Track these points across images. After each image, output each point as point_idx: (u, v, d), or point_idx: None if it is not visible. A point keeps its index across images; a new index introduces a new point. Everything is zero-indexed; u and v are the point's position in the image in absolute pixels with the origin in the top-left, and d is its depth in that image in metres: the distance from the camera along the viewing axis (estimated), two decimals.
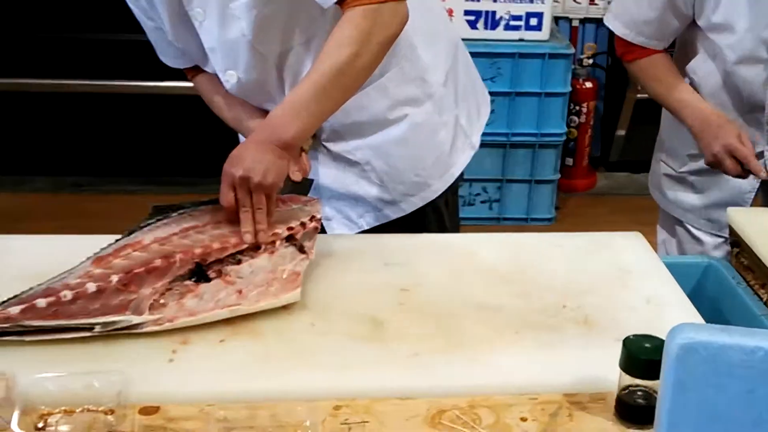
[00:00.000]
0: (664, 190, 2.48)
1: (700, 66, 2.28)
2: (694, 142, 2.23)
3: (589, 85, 4.32)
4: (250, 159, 1.51)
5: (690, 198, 2.41)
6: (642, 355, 1.31)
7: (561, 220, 4.13)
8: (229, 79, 1.75)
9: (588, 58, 4.38)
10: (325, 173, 1.86)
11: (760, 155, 2.27)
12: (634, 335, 1.34)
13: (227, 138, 1.93)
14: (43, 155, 4.32)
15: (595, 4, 4.31)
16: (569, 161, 4.35)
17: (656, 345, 1.30)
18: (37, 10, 4.01)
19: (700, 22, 2.20)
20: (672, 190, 2.46)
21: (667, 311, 1.60)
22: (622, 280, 1.71)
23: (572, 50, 4.03)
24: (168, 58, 1.85)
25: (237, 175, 1.50)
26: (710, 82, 2.28)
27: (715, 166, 2.19)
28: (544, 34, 3.92)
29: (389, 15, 1.57)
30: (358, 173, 1.86)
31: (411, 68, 1.79)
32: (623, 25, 2.27)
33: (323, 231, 1.87)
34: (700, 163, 2.27)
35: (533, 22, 3.86)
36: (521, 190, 4.08)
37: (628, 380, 1.34)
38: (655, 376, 1.28)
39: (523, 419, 1.34)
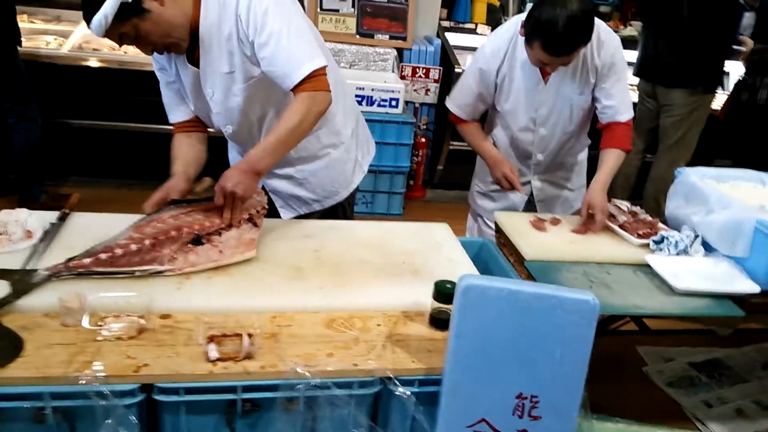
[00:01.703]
0: (476, 200, 2.52)
1: (497, 132, 2.36)
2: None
3: (423, 140, 4.42)
4: (236, 179, 1.56)
5: (488, 205, 2.47)
6: (444, 291, 1.41)
7: (406, 215, 4.22)
8: (227, 130, 1.80)
9: (423, 125, 4.48)
10: (279, 184, 1.92)
11: (527, 183, 2.41)
12: (440, 280, 1.43)
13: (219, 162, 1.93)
14: (110, 164, 4.15)
15: (428, 95, 4.37)
16: (411, 182, 4.43)
17: (452, 285, 1.39)
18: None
19: (497, 107, 2.28)
20: (480, 200, 2.50)
21: (459, 267, 1.70)
22: (436, 249, 1.80)
23: (414, 120, 4.11)
24: (174, 115, 1.84)
25: (227, 189, 1.56)
26: (502, 141, 2.36)
27: (497, 183, 2.29)
28: (399, 110, 3.99)
29: (321, 98, 1.63)
30: (298, 184, 1.94)
31: (332, 126, 1.87)
32: (455, 106, 2.30)
33: (277, 215, 1.95)
34: (494, 185, 2.36)
35: (393, 103, 3.93)
36: (384, 197, 4.12)
37: (436, 305, 1.43)
38: (450, 302, 1.38)
39: (378, 325, 1.43)
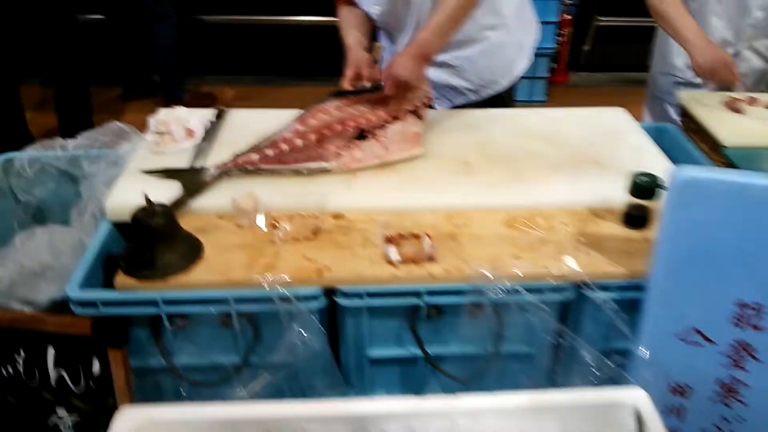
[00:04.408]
0: (674, 92, 1.99)
1: None
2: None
3: (568, 17, 3.99)
4: (407, 67, 1.42)
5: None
6: (643, 185, 1.25)
7: (550, 101, 3.95)
8: (375, 10, 1.64)
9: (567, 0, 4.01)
10: (432, 72, 1.74)
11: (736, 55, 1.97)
12: (636, 172, 1.26)
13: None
14: (245, 60, 4.13)
15: None
16: (553, 65, 4.08)
17: (652, 177, 1.24)
18: None
19: None
20: (679, 90, 1.96)
21: (647, 157, 1.52)
22: (615, 137, 1.62)
23: None
24: None
25: (400, 77, 1.42)
26: None
27: (704, 76, 1.83)
28: None
29: None
30: (454, 72, 1.76)
31: (492, 4, 1.64)
32: None
33: (431, 107, 1.77)
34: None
35: None
36: (526, 83, 3.84)
37: (632, 201, 1.27)
38: (649, 197, 1.22)
39: (564, 224, 1.29)
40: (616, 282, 1.17)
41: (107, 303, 1.09)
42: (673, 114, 2.09)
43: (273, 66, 4.06)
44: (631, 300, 1.16)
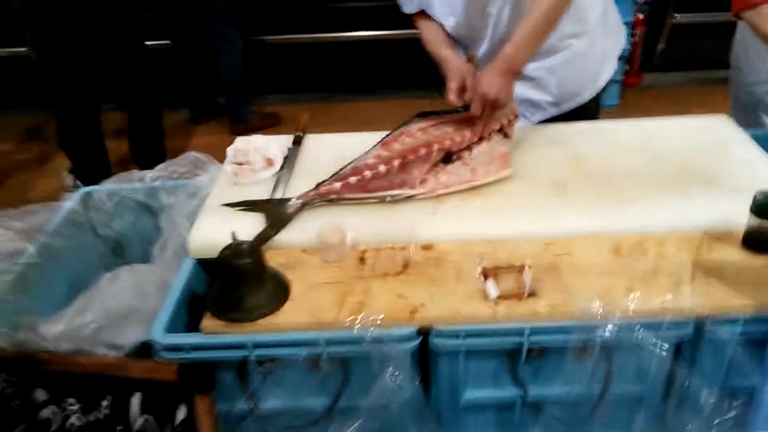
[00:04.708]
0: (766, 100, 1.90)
1: None
2: None
3: (641, 16, 3.80)
4: (496, 84, 1.33)
5: None
6: None
7: (624, 106, 3.77)
8: (450, 22, 1.55)
9: None
10: None
11: None
12: (761, 190, 1.13)
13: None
14: (306, 78, 4.13)
15: None
16: (626, 67, 3.90)
17: None
18: None
19: None
20: None
21: (762, 171, 1.37)
22: (721, 149, 1.48)
23: None
24: (406, 5, 1.60)
25: (491, 96, 1.33)
26: None
27: None
28: None
29: None
30: (533, 85, 1.64)
31: (575, 11, 1.51)
32: None
33: None
34: None
35: None
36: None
37: (756, 222, 1.14)
38: None
39: (677, 250, 1.18)
40: (741, 316, 1.05)
41: (194, 347, 1.05)
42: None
43: (335, 82, 4.03)
44: (757, 336, 1.05)
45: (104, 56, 2.79)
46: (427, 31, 1.61)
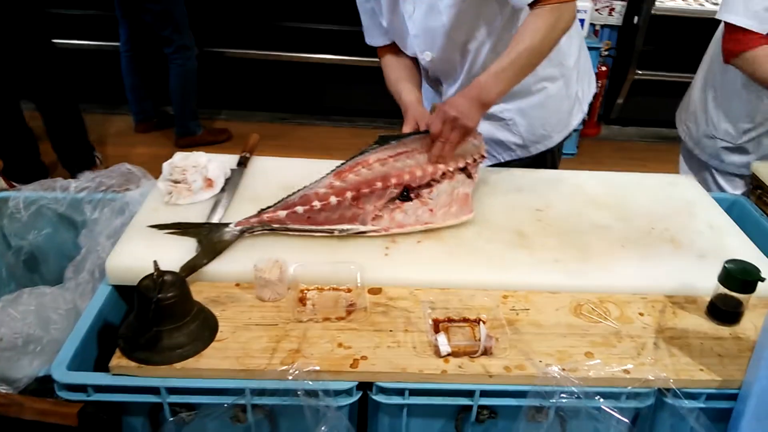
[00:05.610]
0: (719, 155, 1.92)
1: None
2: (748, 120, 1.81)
3: (603, 68, 3.87)
4: (463, 107, 1.27)
5: (738, 159, 1.90)
6: (743, 276, 1.08)
7: (580, 155, 3.79)
8: (426, 57, 1.48)
9: (605, 50, 3.88)
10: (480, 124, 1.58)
11: None
12: (731, 260, 1.10)
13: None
14: (262, 96, 4.01)
15: (612, 15, 3.82)
16: (585, 117, 3.93)
17: (750, 269, 1.08)
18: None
19: None
20: (725, 155, 1.92)
21: (726, 237, 1.36)
22: (688, 210, 1.45)
23: (600, 45, 3.63)
24: (372, 38, 1.57)
25: (451, 114, 1.26)
26: None
27: None
28: (584, 33, 3.51)
29: (567, 12, 1.30)
30: (502, 126, 1.60)
31: (555, 54, 1.46)
32: (744, 16, 1.61)
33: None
34: (751, 132, 1.84)
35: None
36: None
37: (725, 291, 1.09)
38: (747, 291, 1.05)
39: (641, 314, 1.12)
40: (707, 390, 1.00)
41: (100, 389, 0.92)
42: (721, 180, 1.95)
43: (293, 104, 3.93)
44: (718, 410, 1.00)
45: (9, 53, 2.68)
46: (391, 71, 1.56)
